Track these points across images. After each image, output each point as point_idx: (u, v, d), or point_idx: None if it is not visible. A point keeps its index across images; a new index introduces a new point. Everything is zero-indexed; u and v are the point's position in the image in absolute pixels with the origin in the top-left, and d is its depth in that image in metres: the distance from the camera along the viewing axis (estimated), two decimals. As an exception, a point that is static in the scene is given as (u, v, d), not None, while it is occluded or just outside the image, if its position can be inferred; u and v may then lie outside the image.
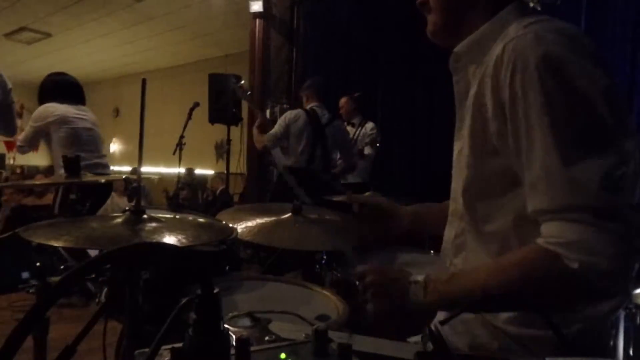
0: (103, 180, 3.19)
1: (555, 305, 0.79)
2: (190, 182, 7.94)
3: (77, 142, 3.24)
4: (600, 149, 0.73)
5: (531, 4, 0.94)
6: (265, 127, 3.63)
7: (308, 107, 3.62)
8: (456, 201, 0.98)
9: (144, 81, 0.98)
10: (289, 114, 3.56)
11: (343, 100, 4.59)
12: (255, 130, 3.66)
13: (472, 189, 0.92)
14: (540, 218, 0.78)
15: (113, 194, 3.61)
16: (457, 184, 0.98)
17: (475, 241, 0.94)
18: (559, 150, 0.74)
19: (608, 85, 0.76)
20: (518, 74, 0.78)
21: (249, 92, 3.79)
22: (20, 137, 3.25)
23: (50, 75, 3.41)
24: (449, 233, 1.03)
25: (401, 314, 0.89)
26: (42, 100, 3.28)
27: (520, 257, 0.80)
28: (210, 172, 8.54)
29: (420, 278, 0.87)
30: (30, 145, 3.30)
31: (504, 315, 0.89)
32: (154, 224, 1.00)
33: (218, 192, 7.16)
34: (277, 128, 3.50)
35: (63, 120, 3.20)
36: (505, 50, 0.81)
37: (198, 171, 8.29)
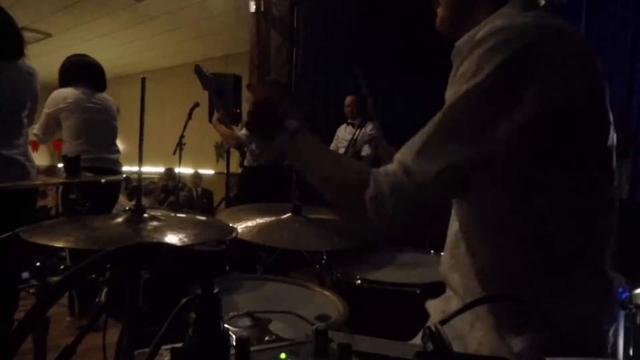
0: (103, 180, 3.11)
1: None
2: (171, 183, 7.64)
3: (85, 132, 3.00)
4: (461, 141, 0.81)
5: (542, 2, 0.93)
6: (225, 122, 3.66)
7: None
8: None
9: (143, 80, 0.98)
10: None
11: (349, 99, 4.58)
12: (219, 126, 3.59)
13: None
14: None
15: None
16: None
17: (469, 233, 0.94)
18: (438, 126, 0.86)
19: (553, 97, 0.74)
20: (477, 49, 0.78)
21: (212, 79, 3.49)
22: (36, 126, 2.97)
23: (69, 57, 3.18)
24: (452, 226, 1.04)
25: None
26: (62, 85, 3.06)
27: (355, 170, 0.92)
28: (210, 172, 8.53)
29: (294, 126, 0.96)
30: (46, 133, 3.03)
31: (500, 322, 0.87)
32: (154, 223, 1.01)
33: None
34: None
35: (75, 108, 2.97)
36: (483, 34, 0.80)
37: (199, 171, 8.23)
